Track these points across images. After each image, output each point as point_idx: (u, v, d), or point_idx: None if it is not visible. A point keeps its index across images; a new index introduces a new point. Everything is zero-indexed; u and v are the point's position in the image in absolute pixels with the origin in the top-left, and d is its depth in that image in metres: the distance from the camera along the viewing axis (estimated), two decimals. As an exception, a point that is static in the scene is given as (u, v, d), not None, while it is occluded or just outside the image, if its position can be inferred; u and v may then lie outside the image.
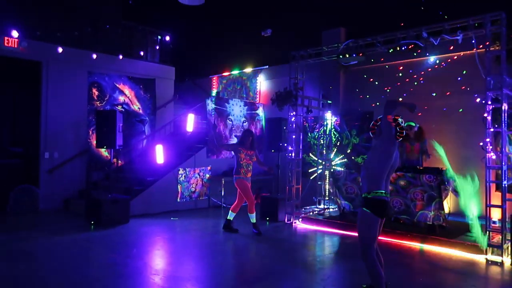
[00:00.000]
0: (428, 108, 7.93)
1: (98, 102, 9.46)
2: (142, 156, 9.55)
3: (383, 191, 3.62)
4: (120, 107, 9.67)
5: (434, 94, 8.03)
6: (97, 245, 5.92)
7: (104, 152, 9.30)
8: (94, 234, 6.46)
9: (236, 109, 9.91)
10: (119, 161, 9.43)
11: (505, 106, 5.35)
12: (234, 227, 6.74)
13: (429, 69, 8.00)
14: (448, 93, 7.87)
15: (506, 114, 5.40)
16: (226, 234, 6.83)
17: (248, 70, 11.50)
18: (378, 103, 8.34)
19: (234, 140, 9.72)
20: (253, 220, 6.45)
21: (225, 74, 12.28)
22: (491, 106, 5.43)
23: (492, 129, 5.41)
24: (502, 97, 5.33)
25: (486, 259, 5.19)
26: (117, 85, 9.81)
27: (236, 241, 6.21)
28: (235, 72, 11.95)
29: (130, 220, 7.26)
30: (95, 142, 8.62)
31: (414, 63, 8.21)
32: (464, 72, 7.51)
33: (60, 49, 8.60)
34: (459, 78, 7.63)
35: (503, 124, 5.33)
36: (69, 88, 8.99)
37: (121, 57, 9.80)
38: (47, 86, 8.73)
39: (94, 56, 9.19)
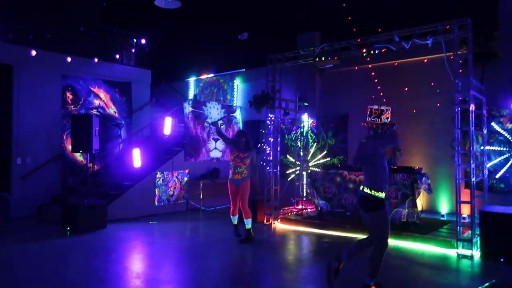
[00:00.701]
0: (399, 110, 8.20)
1: (72, 106, 9.30)
2: (119, 160, 9.44)
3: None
4: (95, 110, 9.54)
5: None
6: (75, 251, 5.82)
7: (79, 156, 9.14)
8: (71, 240, 6.34)
9: (214, 112, 9.93)
10: (95, 166, 9.28)
11: (472, 107, 5.62)
12: (240, 231, 6.45)
13: (401, 71, 8.28)
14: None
15: (473, 115, 5.67)
16: (206, 237, 6.85)
17: (225, 73, 11.56)
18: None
19: (212, 144, 9.75)
20: (235, 222, 6.45)
21: (202, 77, 12.29)
22: (459, 107, 5.68)
23: (460, 129, 5.65)
24: (469, 98, 5.59)
25: (457, 253, 5.42)
26: (92, 88, 9.68)
27: (216, 244, 6.23)
28: (212, 75, 11.97)
29: (108, 225, 7.15)
30: (70, 146, 8.45)
31: (388, 66, 8.47)
32: (434, 75, 7.81)
33: (33, 52, 8.41)
34: (429, 81, 7.93)
35: (471, 124, 5.59)
36: (42, 92, 8.78)
37: (96, 60, 9.65)
38: (18, 90, 8.49)
39: (69, 59, 9.02)
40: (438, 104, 7.55)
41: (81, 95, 9.48)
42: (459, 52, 5.75)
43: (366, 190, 3.88)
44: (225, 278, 4.80)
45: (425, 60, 8.03)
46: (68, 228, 6.84)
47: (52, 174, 8.80)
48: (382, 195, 3.87)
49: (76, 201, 7.27)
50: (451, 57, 5.75)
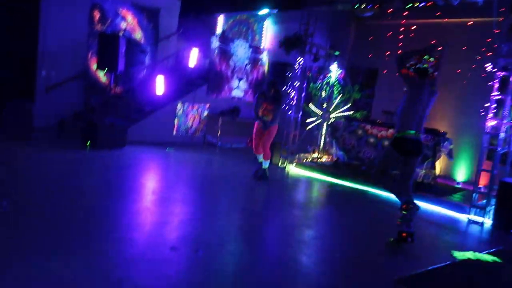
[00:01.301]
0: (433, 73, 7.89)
1: (99, 26, 9.15)
2: (141, 86, 9.42)
3: None
4: (122, 33, 9.39)
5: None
6: (94, 164, 5.97)
7: (102, 77, 9.14)
8: (91, 154, 6.49)
9: (240, 50, 9.72)
10: (118, 89, 9.30)
11: (515, 76, 5.35)
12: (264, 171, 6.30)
13: (440, 32, 7.87)
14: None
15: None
16: (221, 170, 6.97)
17: (256, 12, 11.13)
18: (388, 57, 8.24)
19: (235, 82, 9.64)
20: (260, 159, 6.40)
21: (232, 14, 11.88)
22: (500, 73, 5.42)
23: (497, 96, 5.43)
24: (512, 66, 5.31)
25: (468, 218, 5.42)
26: (120, 10, 9.46)
27: (230, 177, 6.34)
28: (243, 13, 11.56)
29: (126, 145, 7.29)
30: (94, 65, 8.45)
31: (428, 25, 8.04)
32: (476, 39, 7.41)
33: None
34: (468, 45, 7.54)
35: (509, 93, 5.35)
36: (69, 8, 8.59)
37: (126, -20, 9.34)
38: (46, 3, 8.34)
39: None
40: (468, 76, 7.24)
41: (108, 15, 9.29)
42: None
43: (418, 135, 3.94)
44: (236, 206, 4.90)
45: (470, 23, 7.59)
46: (88, 144, 6.98)
47: (75, 91, 8.86)
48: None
49: (97, 119, 7.36)
50: (497, 31, 5.39)
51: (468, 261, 3.81)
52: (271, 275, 3.03)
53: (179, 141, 8.63)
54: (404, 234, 3.92)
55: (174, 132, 8.40)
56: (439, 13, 7.68)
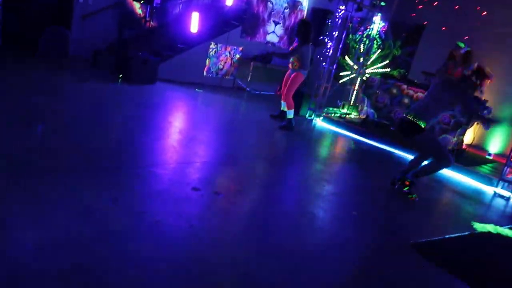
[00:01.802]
0: (486, 33, 7.32)
1: (137, -46, 8.83)
2: (176, 21, 9.24)
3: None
4: (159, -36, 9.06)
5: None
6: (124, 96, 6.07)
7: (138, 9, 9.00)
8: (121, 87, 6.58)
9: (280, -8, 9.26)
10: (152, 23, 9.17)
11: None
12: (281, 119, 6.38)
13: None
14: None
15: None
16: (247, 115, 6.96)
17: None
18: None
19: (271, 26, 9.31)
20: (283, 108, 6.36)
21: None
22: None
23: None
24: None
25: (495, 191, 5.29)
26: None
27: (256, 123, 6.35)
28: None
29: (157, 82, 7.33)
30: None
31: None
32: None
33: None
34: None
35: None
36: None
37: None
38: None
39: None
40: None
41: None
42: None
43: (410, 117, 3.98)
44: (259, 154, 4.94)
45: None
46: (120, 76, 7.05)
47: (111, 21, 8.78)
48: (423, 125, 3.96)
49: (130, 53, 7.35)
50: None
51: (487, 233, 3.77)
52: (285, 224, 3.10)
53: (208, 83, 8.60)
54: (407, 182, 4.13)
55: (205, 73, 8.34)
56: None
